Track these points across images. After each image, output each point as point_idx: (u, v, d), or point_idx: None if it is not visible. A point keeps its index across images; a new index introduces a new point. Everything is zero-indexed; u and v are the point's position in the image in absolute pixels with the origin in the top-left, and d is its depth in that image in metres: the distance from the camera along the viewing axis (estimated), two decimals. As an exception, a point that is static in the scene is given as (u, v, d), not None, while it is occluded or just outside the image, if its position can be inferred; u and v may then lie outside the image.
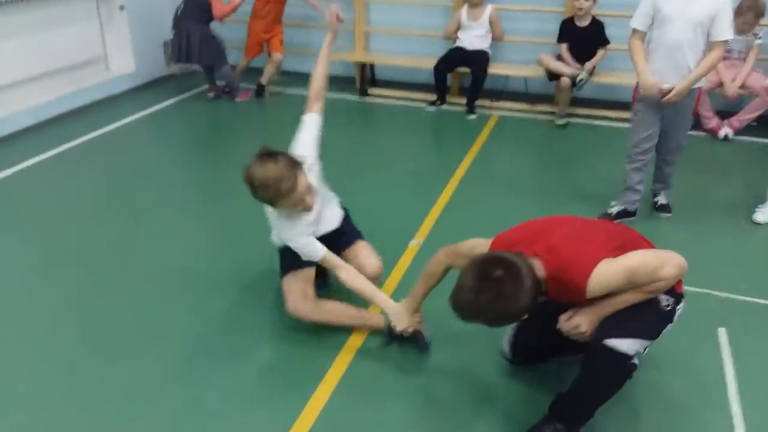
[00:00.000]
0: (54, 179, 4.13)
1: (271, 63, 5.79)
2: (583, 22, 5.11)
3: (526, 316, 1.87)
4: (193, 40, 5.41)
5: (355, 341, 2.61)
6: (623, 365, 1.86)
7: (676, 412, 2.27)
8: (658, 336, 1.97)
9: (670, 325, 2.01)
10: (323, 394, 2.33)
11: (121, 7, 5.82)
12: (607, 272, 1.84)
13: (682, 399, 2.33)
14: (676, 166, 3.67)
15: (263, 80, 5.81)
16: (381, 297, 2.54)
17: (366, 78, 6.09)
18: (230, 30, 5.92)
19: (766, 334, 2.70)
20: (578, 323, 1.93)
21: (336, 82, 6.11)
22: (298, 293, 2.56)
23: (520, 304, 1.79)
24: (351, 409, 2.27)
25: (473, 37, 5.44)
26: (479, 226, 2.99)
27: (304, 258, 2.50)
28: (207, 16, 5.44)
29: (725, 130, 4.94)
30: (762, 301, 2.91)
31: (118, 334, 2.66)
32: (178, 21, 5.45)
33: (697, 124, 4.95)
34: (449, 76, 5.71)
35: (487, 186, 4.11)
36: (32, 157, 4.39)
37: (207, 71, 5.76)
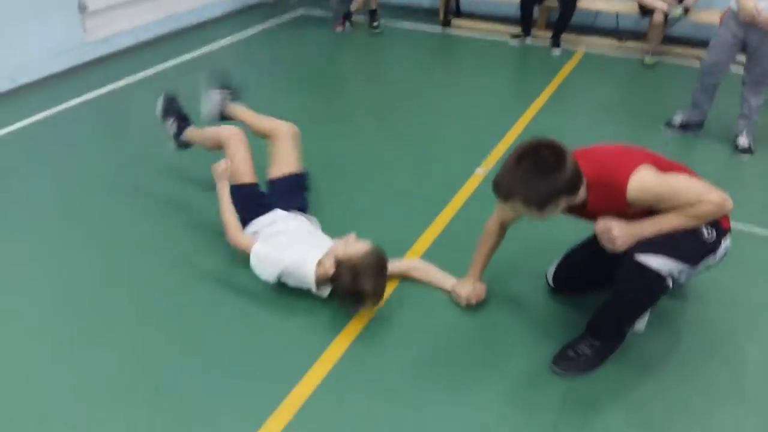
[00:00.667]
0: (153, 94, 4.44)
1: None
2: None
3: (565, 205, 1.90)
4: None
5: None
6: (654, 282, 1.90)
7: (718, 343, 2.31)
8: (698, 264, 2.00)
9: (713, 258, 2.03)
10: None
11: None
12: (649, 177, 1.89)
13: (727, 330, 2.37)
14: (762, 101, 3.63)
15: (352, 7, 5.82)
16: (438, 277, 2.52)
17: (450, 8, 6.05)
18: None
19: None
20: (611, 227, 1.90)
21: (418, 13, 6.15)
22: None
23: (560, 178, 1.82)
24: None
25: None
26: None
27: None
28: None
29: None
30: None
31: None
32: None
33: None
34: (537, 9, 5.60)
35: (565, 114, 4.12)
36: (133, 74, 4.72)
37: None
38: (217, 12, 6.11)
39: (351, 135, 3.86)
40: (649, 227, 1.93)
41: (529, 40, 5.55)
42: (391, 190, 3.26)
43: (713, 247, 2.00)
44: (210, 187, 2.72)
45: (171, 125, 3.07)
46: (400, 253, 2.70)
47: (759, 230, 2.94)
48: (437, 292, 2.50)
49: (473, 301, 2.40)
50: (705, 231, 1.97)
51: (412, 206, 3.10)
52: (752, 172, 3.55)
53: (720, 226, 2.01)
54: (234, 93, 3.08)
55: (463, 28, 5.92)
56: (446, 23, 5.95)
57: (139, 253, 2.73)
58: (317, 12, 6.26)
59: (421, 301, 2.47)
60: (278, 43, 5.63)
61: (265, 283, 2.42)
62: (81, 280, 2.57)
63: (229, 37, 5.59)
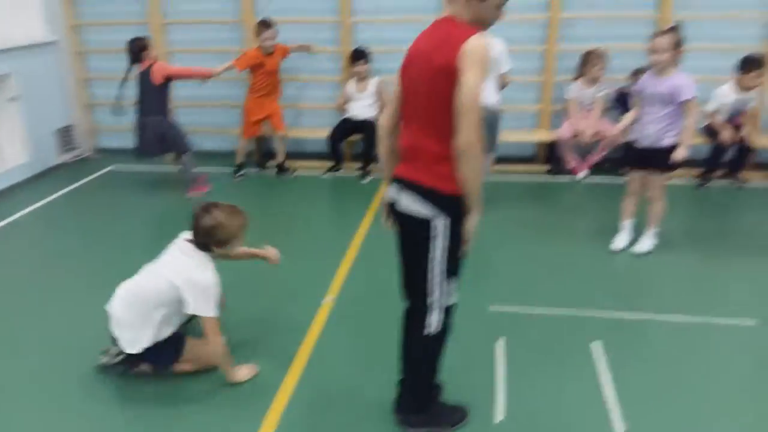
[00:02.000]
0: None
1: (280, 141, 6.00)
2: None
3: None
4: (150, 133, 5.39)
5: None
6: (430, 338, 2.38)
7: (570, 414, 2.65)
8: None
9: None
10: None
11: (13, 98, 5.85)
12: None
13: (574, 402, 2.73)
14: None
15: (280, 158, 6.01)
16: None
17: (263, 150, 6.41)
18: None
19: (634, 343, 3.18)
20: None
21: (232, 156, 6.42)
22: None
23: None
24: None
25: (362, 107, 5.93)
26: (388, 271, 3.32)
27: (200, 305, 2.74)
28: (159, 106, 5.40)
29: (583, 172, 5.74)
30: (627, 315, 3.42)
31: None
32: (137, 119, 5.44)
33: (560, 167, 5.73)
34: (343, 144, 6.16)
35: (389, 236, 4.48)
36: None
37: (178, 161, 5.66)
38: (16, 178, 5.85)
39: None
40: None
41: (341, 173, 6.05)
42: (241, 336, 3.30)
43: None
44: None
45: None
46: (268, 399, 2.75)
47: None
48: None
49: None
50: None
51: (272, 345, 3.18)
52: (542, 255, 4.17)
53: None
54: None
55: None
56: (262, 165, 6.26)
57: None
58: (128, 167, 6.26)
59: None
60: (88, 203, 5.50)
61: None
62: None
63: (34, 205, 5.36)
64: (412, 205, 2.22)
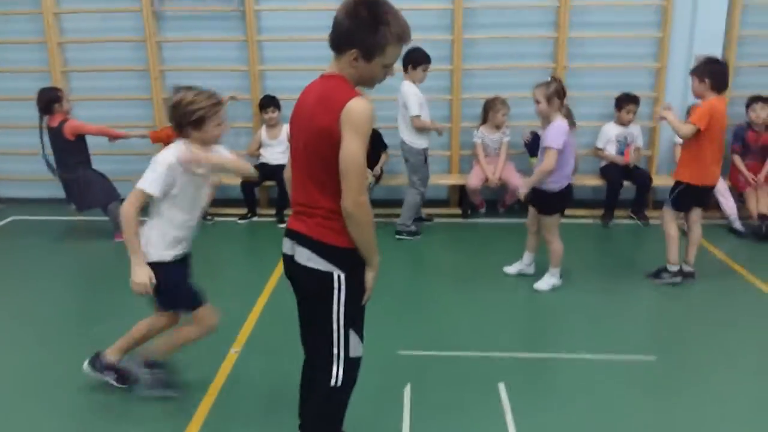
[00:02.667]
0: None
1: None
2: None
3: None
4: (75, 190, 5.25)
5: None
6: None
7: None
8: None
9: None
10: None
11: None
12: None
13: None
14: None
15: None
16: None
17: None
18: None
19: (539, 383, 3.27)
20: None
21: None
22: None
23: None
24: None
25: (275, 153, 5.93)
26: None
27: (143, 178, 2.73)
28: (76, 161, 5.24)
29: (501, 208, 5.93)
30: (532, 355, 3.51)
31: None
32: (59, 174, 5.29)
33: (472, 209, 5.91)
34: (257, 190, 6.12)
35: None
36: None
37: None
38: None
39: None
40: None
41: (256, 219, 5.99)
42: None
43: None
44: None
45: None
46: None
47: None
48: None
49: None
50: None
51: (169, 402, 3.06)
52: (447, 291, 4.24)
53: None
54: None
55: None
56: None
57: None
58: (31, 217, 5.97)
59: None
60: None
61: None
62: None
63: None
64: (307, 260, 2.20)
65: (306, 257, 2.20)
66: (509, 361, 3.43)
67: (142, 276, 2.76)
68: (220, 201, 6.26)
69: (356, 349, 2.31)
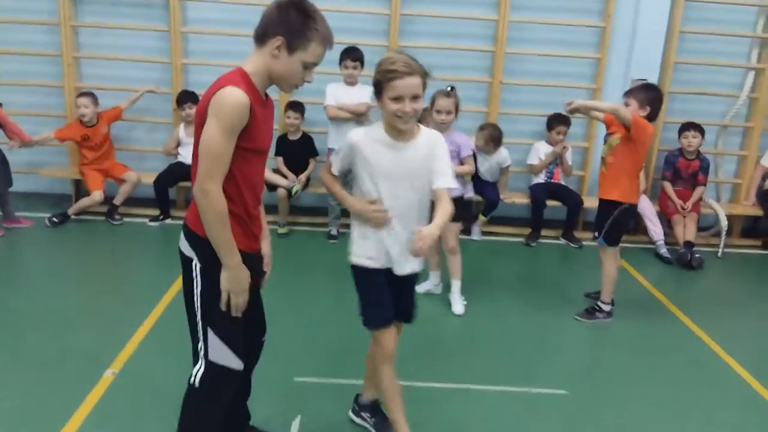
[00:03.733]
0: None
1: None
2: (295, 136, 5.57)
3: None
4: None
5: None
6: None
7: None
8: None
9: None
10: None
11: None
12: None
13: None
14: None
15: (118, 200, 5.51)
16: None
17: (82, 195, 5.81)
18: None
19: (446, 414, 3.02)
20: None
21: (43, 201, 5.78)
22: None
23: None
24: None
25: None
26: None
27: None
28: None
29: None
30: (439, 385, 3.27)
31: None
32: None
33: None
34: (173, 190, 5.74)
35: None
36: None
37: None
38: None
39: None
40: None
41: (169, 221, 5.60)
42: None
43: None
44: None
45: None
46: None
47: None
48: None
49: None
50: None
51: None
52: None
53: None
54: None
55: (96, 214, 5.70)
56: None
57: None
58: None
59: None
60: None
61: None
62: None
63: None
64: (181, 241, 2.18)
65: (181, 240, 2.19)
66: (415, 390, 3.18)
67: None
68: (130, 200, 5.87)
69: (220, 355, 2.15)
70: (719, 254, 5.68)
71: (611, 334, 4.05)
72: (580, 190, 6.06)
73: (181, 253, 2.17)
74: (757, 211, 6.02)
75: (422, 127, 2.49)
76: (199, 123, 2.01)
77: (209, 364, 2.16)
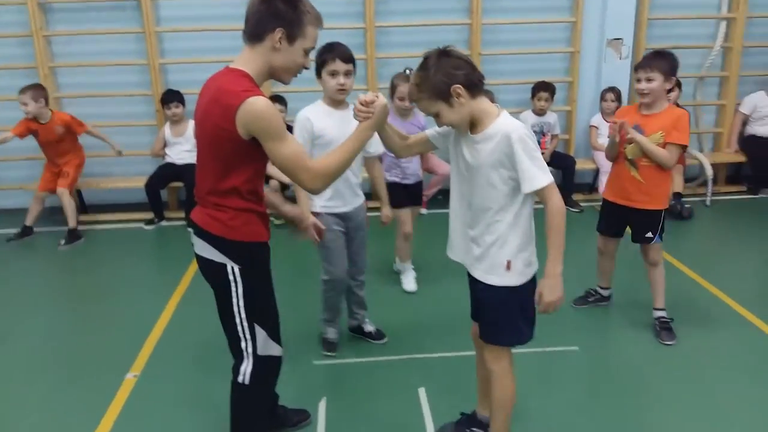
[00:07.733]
0: None
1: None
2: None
3: None
4: None
5: None
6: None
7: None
8: None
9: None
10: None
11: None
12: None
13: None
14: None
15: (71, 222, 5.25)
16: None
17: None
18: None
19: (461, 381, 3.08)
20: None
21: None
22: None
23: None
24: None
25: (181, 152, 5.56)
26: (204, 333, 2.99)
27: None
28: None
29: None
30: (452, 354, 3.34)
31: None
32: None
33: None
34: (164, 192, 5.73)
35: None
36: None
37: None
38: None
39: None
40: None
41: (164, 223, 5.60)
42: (31, 419, 2.82)
43: None
44: None
45: None
46: None
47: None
48: None
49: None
50: None
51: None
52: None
53: None
54: None
55: (93, 223, 5.68)
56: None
57: None
58: None
59: None
60: None
61: None
62: None
63: None
64: (201, 249, 2.19)
65: (200, 247, 2.20)
66: (429, 361, 3.26)
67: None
68: (121, 206, 5.85)
69: (265, 347, 2.24)
70: (707, 202, 5.81)
71: (614, 290, 4.14)
72: (567, 153, 6.14)
73: (207, 261, 2.18)
74: (740, 158, 6.15)
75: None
76: (210, 126, 2.03)
77: (257, 359, 2.22)
